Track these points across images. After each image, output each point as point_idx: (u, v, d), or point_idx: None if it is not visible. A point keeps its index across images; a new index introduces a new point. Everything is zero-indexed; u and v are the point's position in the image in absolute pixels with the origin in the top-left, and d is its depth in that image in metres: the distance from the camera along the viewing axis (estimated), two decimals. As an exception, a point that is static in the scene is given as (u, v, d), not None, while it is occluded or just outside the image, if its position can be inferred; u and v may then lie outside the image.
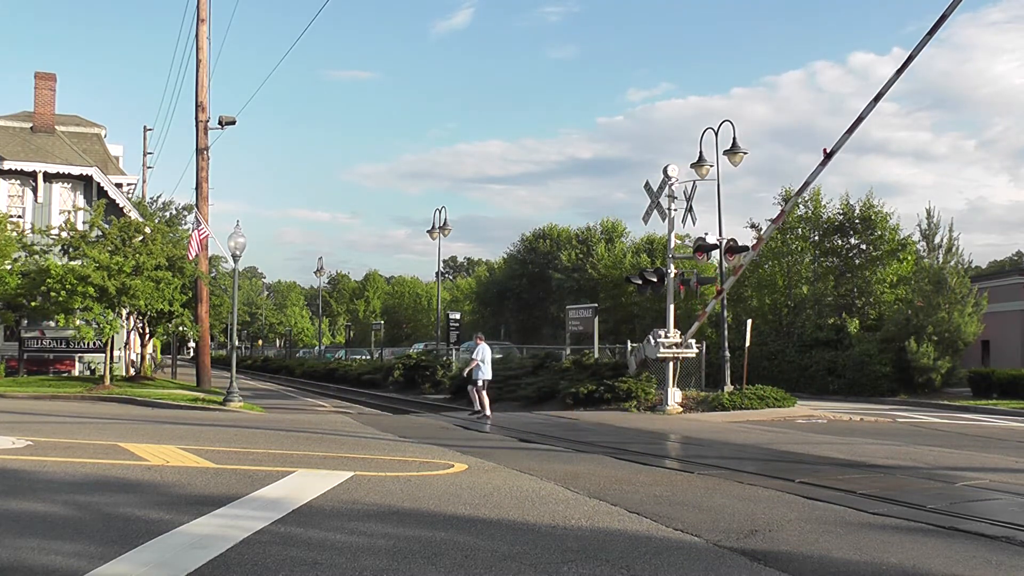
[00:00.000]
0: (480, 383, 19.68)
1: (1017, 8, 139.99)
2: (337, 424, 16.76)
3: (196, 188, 27.86)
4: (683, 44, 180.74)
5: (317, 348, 68.89)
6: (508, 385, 25.85)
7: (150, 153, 52.81)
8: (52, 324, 26.84)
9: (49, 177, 30.38)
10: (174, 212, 44.30)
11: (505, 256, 72.71)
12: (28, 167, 29.94)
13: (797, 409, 21.18)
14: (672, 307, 21.57)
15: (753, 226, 39.91)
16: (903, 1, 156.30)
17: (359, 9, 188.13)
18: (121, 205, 30.30)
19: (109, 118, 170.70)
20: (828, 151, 18.14)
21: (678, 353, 20.82)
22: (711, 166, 22.65)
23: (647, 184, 21.54)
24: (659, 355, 20.76)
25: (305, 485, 8.13)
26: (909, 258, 35.34)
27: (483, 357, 19.84)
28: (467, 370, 20.18)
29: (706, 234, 22.39)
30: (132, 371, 32.17)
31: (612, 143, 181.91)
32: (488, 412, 19.49)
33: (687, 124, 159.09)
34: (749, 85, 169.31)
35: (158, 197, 47.57)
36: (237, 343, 34.83)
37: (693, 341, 21.27)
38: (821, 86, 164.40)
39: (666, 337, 20.81)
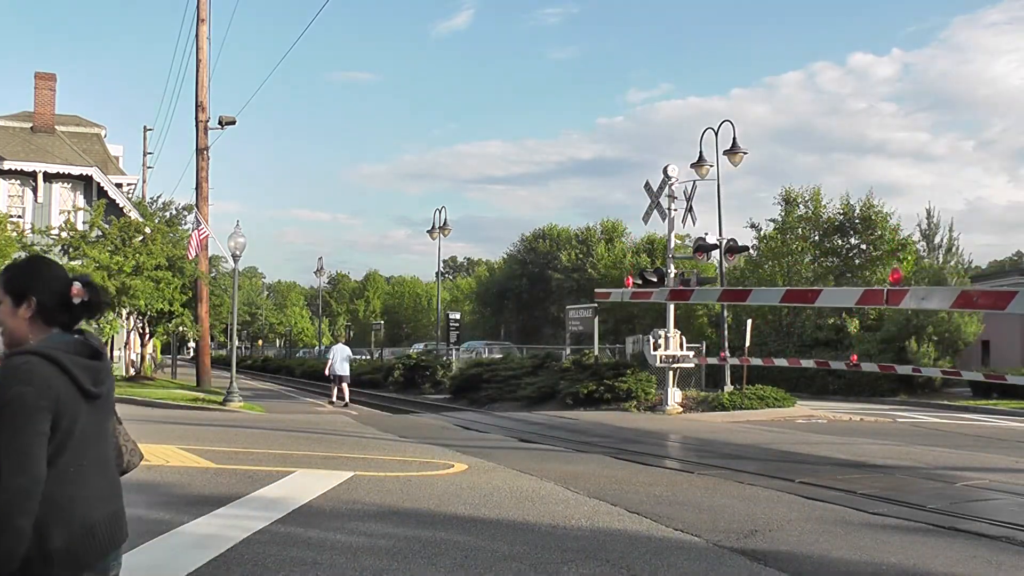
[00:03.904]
0: (331, 377, 22.94)
1: (1016, 9, 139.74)
2: (337, 424, 16.76)
3: (196, 188, 27.82)
4: (683, 45, 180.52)
5: (317, 348, 68.85)
6: (508, 385, 25.84)
7: (150, 153, 52.77)
8: (52, 324, 26.79)
9: (49, 177, 30.35)
10: (174, 212, 44.10)
11: (505, 256, 72.77)
12: (28, 167, 29.91)
13: (797, 409, 21.17)
14: (672, 307, 21.55)
15: (753, 226, 39.94)
16: (903, 1, 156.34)
17: (359, 10, 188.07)
18: (121, 205, 30.28)
19: (109, 118, 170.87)
20: None
21: (674, 365, 20.75)
22: (711, 166, 22.63)
23: (647, 184, 21.53)
24: (657, 365, 20.73)
25: (305, 485, 8.13)
26: (909, 258, 35.30)
27: (332, 355, 23.43)
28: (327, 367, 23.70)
29: (706, 234, 22.37)
30: (132, 371, 32.17)
31: (612, 143, 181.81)
32: (343, 400, 22.62)
33: (687, 124, 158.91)
34: (749, 86, 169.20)
35: (158, 197, 47.31)
36: (237, 343, 34.81)
37: (692, 354, 21.24)
38: (820, 87, 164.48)
39: (665, 339, 20.73)
